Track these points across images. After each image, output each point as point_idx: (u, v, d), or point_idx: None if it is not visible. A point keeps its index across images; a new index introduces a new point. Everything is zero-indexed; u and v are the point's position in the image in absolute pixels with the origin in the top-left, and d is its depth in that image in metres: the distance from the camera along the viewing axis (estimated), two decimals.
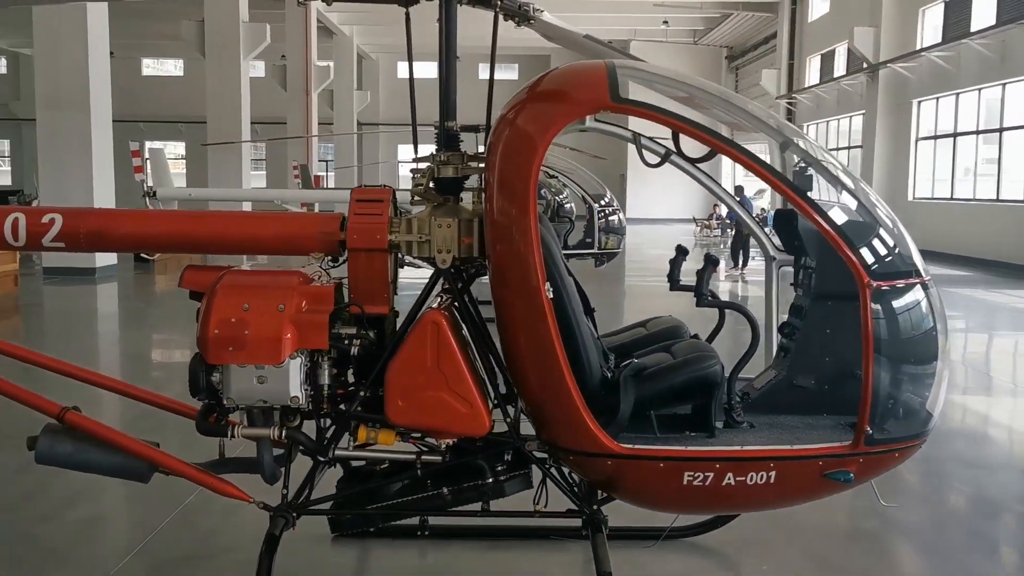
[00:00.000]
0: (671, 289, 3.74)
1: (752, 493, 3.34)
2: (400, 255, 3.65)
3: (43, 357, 3.94)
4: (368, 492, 3.67)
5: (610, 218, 12.69)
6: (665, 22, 37.28)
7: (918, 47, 24.22)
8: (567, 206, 13.15)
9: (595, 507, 3.54)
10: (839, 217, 3.31)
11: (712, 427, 3.43)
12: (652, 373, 3.48)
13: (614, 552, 4.65)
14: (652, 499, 3.50)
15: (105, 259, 16.46)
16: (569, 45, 4.60)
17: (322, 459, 3.54)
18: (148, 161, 15.79)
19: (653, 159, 3.87)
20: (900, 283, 3.35)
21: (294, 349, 3.35)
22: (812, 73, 33.17)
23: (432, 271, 3.59)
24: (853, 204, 3.51)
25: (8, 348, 3.82)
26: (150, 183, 15.18)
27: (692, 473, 3.30)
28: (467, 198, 3.78)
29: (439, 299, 3.61)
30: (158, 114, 45.15)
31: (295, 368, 3.37)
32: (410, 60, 3.87)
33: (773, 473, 3.30)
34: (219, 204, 17.43)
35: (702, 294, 3.58)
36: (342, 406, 3.48)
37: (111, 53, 44.66)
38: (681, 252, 3.73)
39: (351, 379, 3.55)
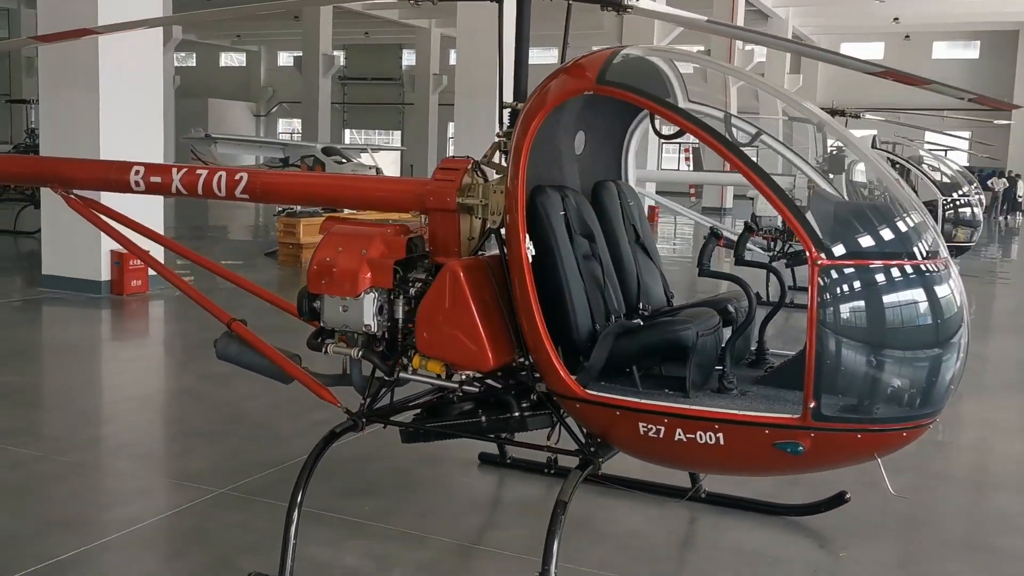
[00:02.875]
0: (699, 275, 3.95)
1: (705, 453, 3.49)
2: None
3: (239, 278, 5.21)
4: (431, 411, 4.38)
5: (960, 210, 11.73)
6: None
7: None
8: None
9: (592, 449, 3.91)
10: (806, 195, 3.35)
11: (685, 387, 3.64)
12: (628, 332, 3.77)
13: (706, 516, 4.93)
14: (620, 445, 3.78)
15: None
16: (695, 28, 4.84)
17: (388, 379, 4.32)
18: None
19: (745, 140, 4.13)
20: (864, 263, 3.28)
21: (368, 286, 4.17)
22: None
23: None
24: (847, 185, 3.48)
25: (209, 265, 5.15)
26: None
27: (645, 424, 3.55)
28: None
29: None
30: None
31: (369, 301, 4.17)
32: (500, 48, 4.34)
33: (720, 435, 3.44)
34: None
35: (703, 265, 3.78)
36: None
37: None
38: (714, 235, 3.91)
39: None
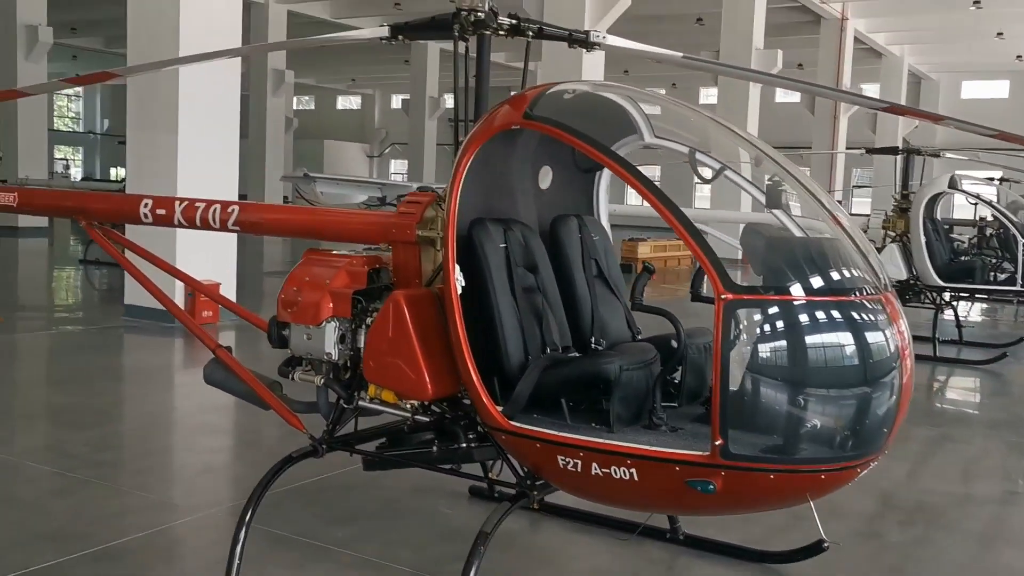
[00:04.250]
0: (632, 309, 3.91)
1: (622, 488, 3.43)
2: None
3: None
4: (393, 440, 4.44)
5: None
6: None
7: None
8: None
9: (529, 483, 3.88)
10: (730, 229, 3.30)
11: (609, 421, 3.59)
12: (555, 364, 3.75)
13: (681, 558, 4.83)
14: (547, 477, 3.73)
15: None
16: (670, 63, 4.83)
17: (347, 406, 4.41)
18: None
19: (708, 175, 4.10)
20: (770, 298, 3.19)
21: (329, 315, 4.29)
22: None
23: None
24: (773, 218, 3.41)
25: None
26: None
27: (564, 458, 3.52)
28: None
29: None
30: None
31: (330, 330, 4.29)
32: (456, 87, 4.42)
33: (634, 471, 3.38)
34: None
35: (635, 299, 3.74)
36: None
37: (672, 84, 47.53)
38: (646, 270, 3.86)
39: None
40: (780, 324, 3.23)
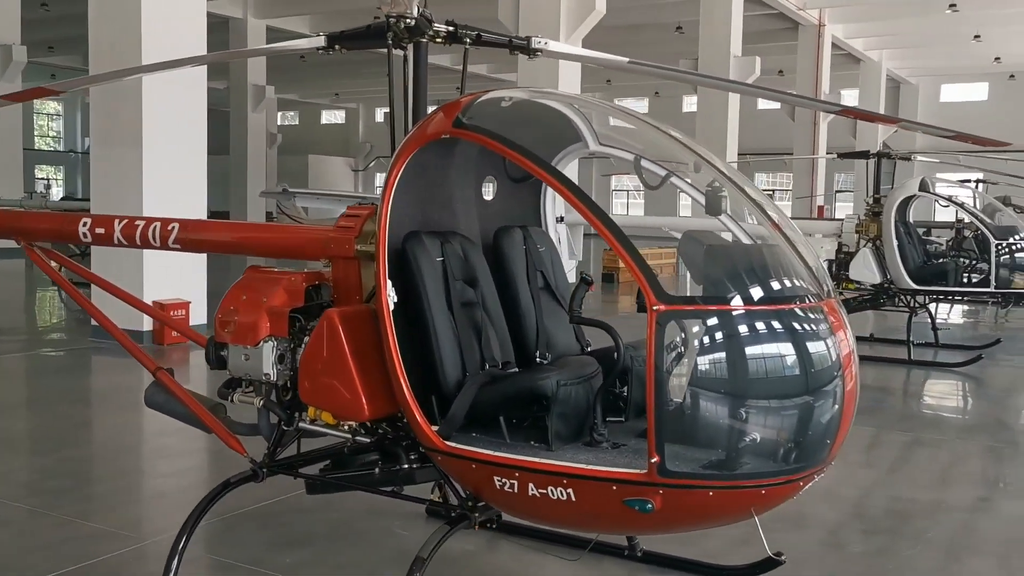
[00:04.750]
0: (570, 322, 3.79)
1: (559, 509, 3.30)
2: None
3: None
4: (337, 462, 4.29)
5: (1017, 255, 11.05)
6: None
7: None
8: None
9: (470, 504, 3.75)
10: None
11: (548, 439, 3.46)
12: (492, 381, 3.62)
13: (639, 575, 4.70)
14: (485, 498, 3.61)
15: None
16: (615, 68, 4.73)
17: (287, 428, 4.27)
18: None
19: (654, 181, 3.98)
20: (704, 308, 3.08)
21: (266, 335, 4.15)
22: None
23: None
24: (710, 226, 3.30)
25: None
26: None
27: (500, 479, 3.39)
28: None
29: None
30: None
31: (268, 350, 4.15)
32: (392, 97, 4.31)
33: (571, 491, 3.25)
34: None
35: (572, 311, 3.61)
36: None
37: (655, 93, 47.60)
38: (584, 281, 3.74)
39: None
40: (715, 335, 3.12)
